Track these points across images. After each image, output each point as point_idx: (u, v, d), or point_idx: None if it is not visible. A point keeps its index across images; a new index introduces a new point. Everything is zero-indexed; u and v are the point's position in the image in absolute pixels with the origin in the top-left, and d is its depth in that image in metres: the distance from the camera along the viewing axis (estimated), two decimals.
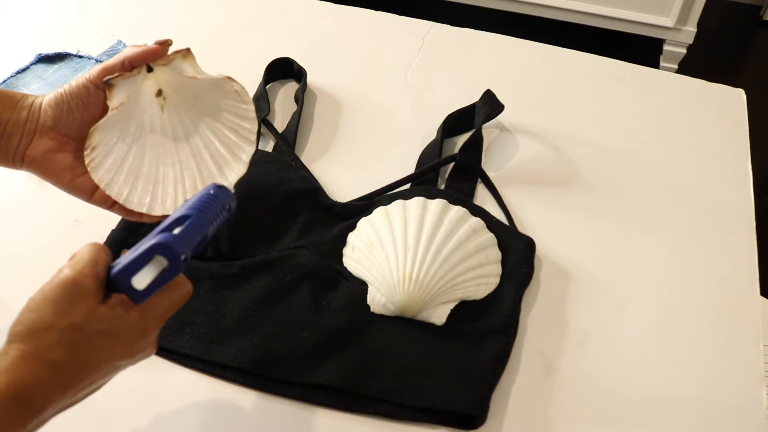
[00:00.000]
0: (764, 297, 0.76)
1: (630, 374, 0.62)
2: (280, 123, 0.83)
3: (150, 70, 0.55)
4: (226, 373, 0.61)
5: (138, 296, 0.42)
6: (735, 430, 0.59)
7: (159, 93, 0.56)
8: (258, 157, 0.73)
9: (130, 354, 0.44)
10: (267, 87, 0.86)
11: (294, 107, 0.85)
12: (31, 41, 0.93)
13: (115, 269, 0.42)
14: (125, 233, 0.67)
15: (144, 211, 0.56)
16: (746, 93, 0.89)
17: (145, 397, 0.59)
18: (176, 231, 0.44)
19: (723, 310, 0.67)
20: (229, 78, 0.57)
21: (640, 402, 0.60)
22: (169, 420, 0.58)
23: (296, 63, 0.87)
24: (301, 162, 0.76)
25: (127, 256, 0.43)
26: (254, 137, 0.58)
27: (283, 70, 0.88)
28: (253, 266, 0.65)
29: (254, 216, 0.68)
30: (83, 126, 0.55)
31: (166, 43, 0.55)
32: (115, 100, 0.54)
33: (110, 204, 0.56)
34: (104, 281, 0.43)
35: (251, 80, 0.86)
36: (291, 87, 0.88)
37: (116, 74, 0.54)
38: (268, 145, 0.79)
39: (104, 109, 0.55)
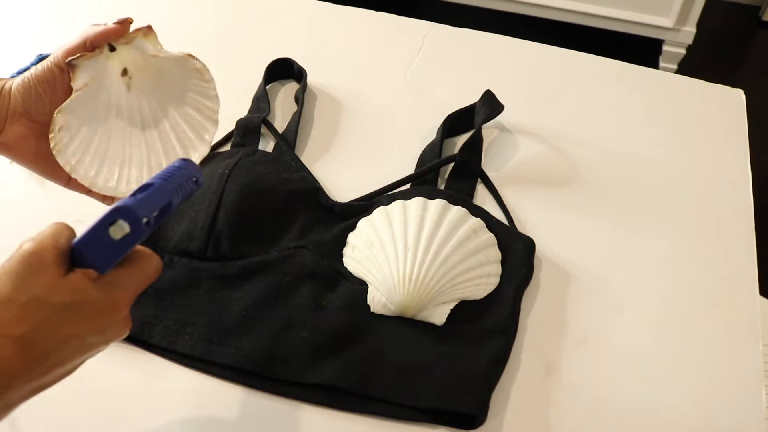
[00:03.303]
0: (764, 297, 0.76)
1: (630, 374, 0.62)
2: (280, 123, 0.83)
3: (112, 49, 0.54)
4: (226, 373, 0.61)
5: (103, 264, 0.42)
6: (735, 430, 0.59)
7: (124, 72, 0.56)
8: (258, 157, 0.73)
9: (98, 329, 0.42)
10: (267, 87, 0.86)
11: (294, 107, 0.85)
12: (31, 41, 0.93)
13: (77, 238, 0.42)
14: None
15: (110, 194, 0.55)
16: (746, 93, 0.89)
17: (145, 397, 0.59)
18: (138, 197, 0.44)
19: (723, 310, 0.67)
20: (190, 55, 0.56)
21: (639, 402, 0.60)
22: (169, 420, 0.58)
23: (296, 63, 0.87)
24: (301, 162, 0.76)
25: (87, 227, 0.42)
26: (216, 116, 0.57)
27: (283, 70, 0.88)
28: (253, 266, 0.66)
29: (254, 216, 0.68)
30: (53, 110, 0.54)
31: (126, 22, 0.54)
32: (78, 81, 0.53)
33: (87, 189, 0.56)
34: (67, 255, 0.41)
35: (251, 80, 0.86)
36: (291, 87, 0.88)
37: (78, 55, 0.53)
38: (268, 145, 0.79)
39: (71, 92, 0.54)
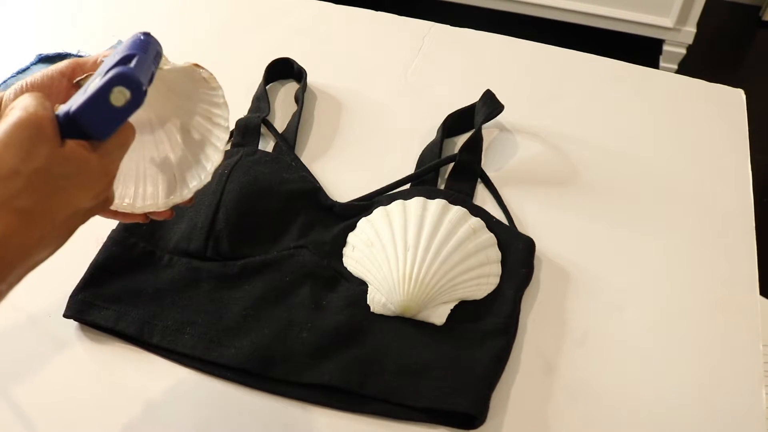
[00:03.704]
0: (764, 297, 0.76)
1: (630, 374, 0.62)
2: (280, 123, 0.83)
3: None
4: (226, 372, 0.61)
5: (103, 132, 0.41)
6: (735, 430, 0.59)
7: None
8: (258, 157, 0.73)
9: (92, 197, 0.43)
10: (267, 87, 0.86)
11: (294, 107, 0.85)
12: (31, 41, 0.93)
13: (77, 106, 0.40)
14: (125, 233, 0.68)
15: (127, 211, 0.55)
16: (746, 93, 0.89)
17: (146, 397, 0.59)
18: (131, 64, 0.42)
19: (723, 311, 0.67)
20: (196, 65, 0.56)
21: (639, 402, 0.60)
22: (170, 420, 0.58)
23: (296, 63, 0.87)
24: (301, 162, 0.76)
25: (82, 95, 0.41)
26: (227, 123, 0.57)
27: (283, 70, 0.88)
28: (253, 266, 0.66)
29: (254, 216, 0.68)
30: None
31: None
32: None
33: None
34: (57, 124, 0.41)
35: (251, 80, 0.86)
36: (291, 87, 0.88)
37: (84, 75, 0.52)
38: (268, 145, 0.79)
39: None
